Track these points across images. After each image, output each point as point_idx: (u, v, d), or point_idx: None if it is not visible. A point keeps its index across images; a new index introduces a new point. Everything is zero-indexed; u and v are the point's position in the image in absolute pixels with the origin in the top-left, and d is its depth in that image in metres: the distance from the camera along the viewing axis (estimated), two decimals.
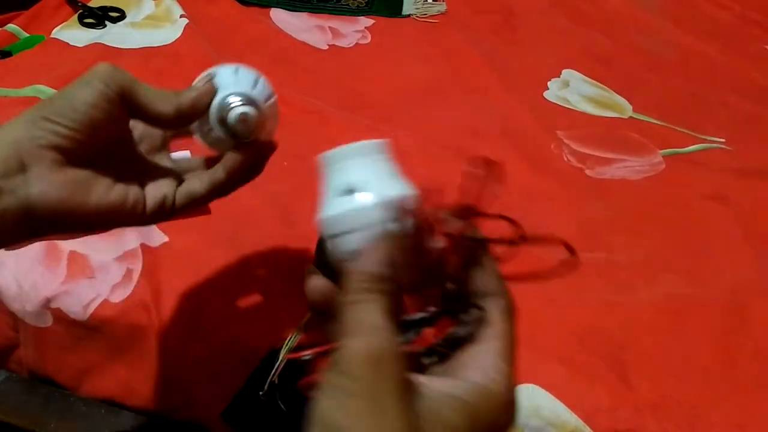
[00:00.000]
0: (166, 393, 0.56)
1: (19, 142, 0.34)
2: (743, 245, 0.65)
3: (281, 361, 0.50)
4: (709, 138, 0.82)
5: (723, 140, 0.82)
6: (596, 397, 0.50)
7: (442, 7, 1.05)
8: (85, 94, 0.36)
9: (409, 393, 0.27)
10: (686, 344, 0.54)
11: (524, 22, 1.05)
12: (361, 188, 0.32)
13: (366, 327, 0.28)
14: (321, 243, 0.34)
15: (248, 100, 0.40)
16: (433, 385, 0.28)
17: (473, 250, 0.31)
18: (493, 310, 0.31)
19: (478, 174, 0.31)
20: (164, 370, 0.55)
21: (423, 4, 1.05)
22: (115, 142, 0.39)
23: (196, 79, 0.41)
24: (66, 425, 0.56)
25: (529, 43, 0.99)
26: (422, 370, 0.30)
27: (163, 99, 0.39)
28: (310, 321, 0.52)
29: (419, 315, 0.29)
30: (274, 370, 0.49)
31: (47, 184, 0.35)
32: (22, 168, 0.34)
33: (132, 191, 0.39)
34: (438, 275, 0.30)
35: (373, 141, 0.33)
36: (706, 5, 1.13)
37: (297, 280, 0.57)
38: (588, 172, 0.75)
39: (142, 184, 0.40)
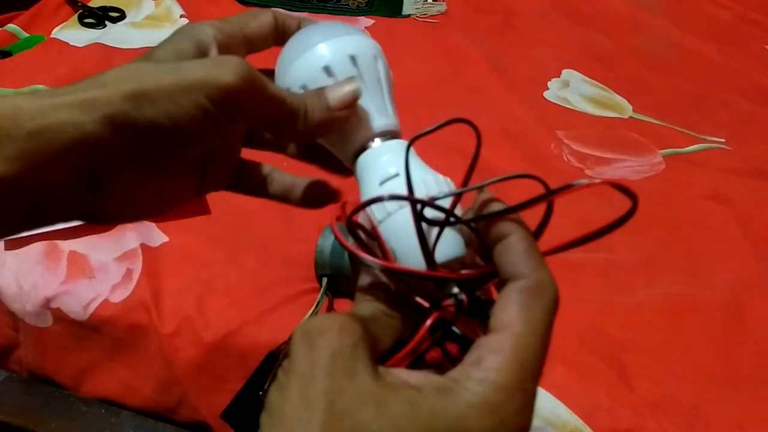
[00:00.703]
0: (166, 393, 0.56)
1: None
2: (743, 245, 0.65)
3: (281, 361, 0.50)
4: (709, 138, 0.82)
5: (723, 140, 0.82)
6: (596, 397, 0.50)
7: (442, 7, 1.05)
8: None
9: (354, 372, 0.23)
10: (686, 344, 0.54)
11: (524, 22, 1.05)
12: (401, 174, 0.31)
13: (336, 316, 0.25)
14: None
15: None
16: (405, 376, 0.24)
17: (497, 223, 0.27)
18: (514, 299, 0.25)
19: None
20: (164, 370, 0.55)
21: (423, 4, 1.05)
22: None
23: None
24: (66, 425, 0.56)
25: (529, 43, 0.99)
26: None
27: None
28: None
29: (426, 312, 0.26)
30: (274, 370, 0.49)
31: None
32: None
33: None
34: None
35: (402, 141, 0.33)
36: (706, 5, 1.13)
37: (297, 280, 0.57)
38: (588, 172, 0.75)
39: None
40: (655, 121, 0.84)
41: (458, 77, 0.89)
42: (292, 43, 0.33)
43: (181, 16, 0.95)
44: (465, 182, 0.31)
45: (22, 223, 0.29)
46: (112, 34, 0.90)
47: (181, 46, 0.30)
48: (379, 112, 0.33)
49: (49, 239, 0.59)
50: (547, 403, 0.49)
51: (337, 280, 0.54)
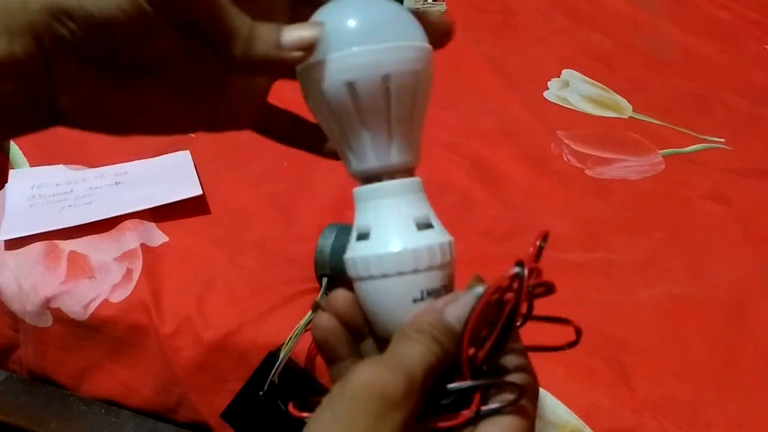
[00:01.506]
0: (166, 393, 0.56)
1: None
2: (743, 245, 0.65)
3: (281, 361, 0.50)
4: (709, 138, 0.82)
5: (723, 140, 0.82)
6: (596, 396, 0.50)
7: (442, 7, 1.05)
8: None
9: None
10: (686, 344, 0.54)
11: (524, 22, 1.05)
12: (429, 226, 0.29)
13: (396, 361, 0.25)
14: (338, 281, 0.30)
15: None
16: None
17: (509, 324, 0.28)
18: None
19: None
20: (164, 370, 0.55)
21: (423, 4, 1.05)
22: None
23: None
24: (66, 425, 0.56)
25: (529, 43, 0.99)
26: None
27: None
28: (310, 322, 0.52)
29: (458, 385, 0.27)
30: (274, 370, 0.49)
31: None
32: None
33: None
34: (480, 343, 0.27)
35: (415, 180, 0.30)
36: (706, 5, 1.13)
37: (297, 280, 0.57)
38: (588, 172, 0.75)
39: None
40: (655, 121, 0.84)
41: (458, 77, 0.89)
42: (327, 19, 0.28)
43: None
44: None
45: None
46: None
47: None
48: (398, 147, 0.29)
49: (49, 239, 0.59)
50: (547, 403, 0.49)
51: (337, 280, 0.54)
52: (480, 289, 0.27)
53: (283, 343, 0.50)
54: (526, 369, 0.29)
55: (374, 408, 0.23)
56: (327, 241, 0.54)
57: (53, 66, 0.27)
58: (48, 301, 0.56)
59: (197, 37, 0.27)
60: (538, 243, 0.28)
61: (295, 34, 0.27)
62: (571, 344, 0.30)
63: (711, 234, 0.66)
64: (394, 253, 0.28)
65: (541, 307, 0.29)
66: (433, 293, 0.28)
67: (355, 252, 0.30)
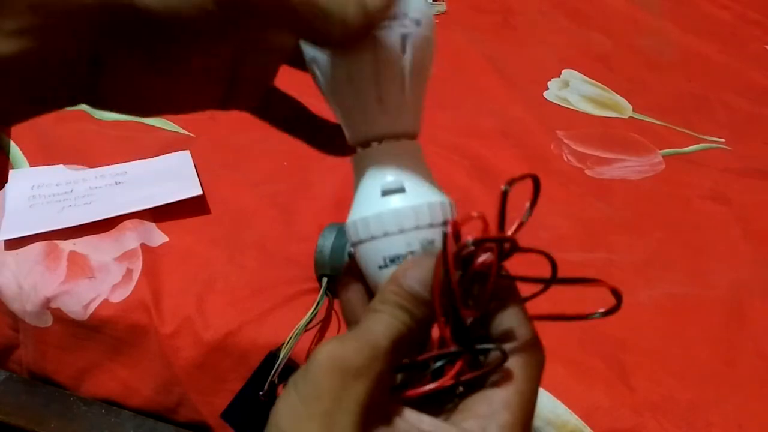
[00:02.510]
0: (166, 393, 0.56)
1: None
2: (743, 245, 0.65)
3: (281, 361, 0.50)
4: (709, 138, 0.82)
5: (723, 140, 0.82)
6: (596, 397, 0.50)
7: (442, 7, 1.05)
8: None
9: (375, 420, 0.23)
10: (686, 344, 0.54)
11: (524, 22, 1.05)
12: (400, 190, 0.28)
13: (359, 334, 0.24)
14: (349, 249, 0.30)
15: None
16: (417, 421, 0.24)
17: (502, 286, 0.27)
18: (515, 358, 0.26)
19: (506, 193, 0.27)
20: (164, 370, 0.55)
21: None
22: None
23: None
24: (66, 425, 0.56)
25: (529, 43, 0.99)
26: (439, 412, 0.26)
27: None
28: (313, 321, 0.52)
29: (438, 352, 0.26)
30: (274, 370, 0.49)
31: None
32: None
33: None
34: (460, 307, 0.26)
35: (412, 142, 0.30)
36: (706, 5, 1.13)
37: (297, 280, 0.57)
38: (588, 172, 0.75)
39: None
40: (655, 121, 0.84)
41: (458, 77, 0.89)
42: None
43: None
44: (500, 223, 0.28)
45: (22, 109, 0.27)
46: None
47: None
48: (402, 109, 0.29)
49: (49, 239, 0.59)
50: (547, 403, 0.49)
51: (337, 280, 0.54)
52: (437, 249, 0.26)
53: (283, 343, 0.50)
54: (525, 334, 0.27)
55: (336, 380, 0.23)
56: (327, 241, 0.54)
57: (98, 55, 0.27)
58: (48, 301, 0.56)
59: (289, 31, 0.26)
60: (502, 188, 0.27)
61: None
62: (610, 311, 0.28)
63: (711, 234, 0.66)
64: (351, 221, 0.29)
65: (539, 306, 0.29)
66: (397, 260, 0.27)
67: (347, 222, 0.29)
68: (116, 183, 0.65)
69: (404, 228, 0.27)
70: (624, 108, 0.87)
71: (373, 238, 0.28)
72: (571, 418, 0.48)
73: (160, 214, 0.61)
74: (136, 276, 0.57)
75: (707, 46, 1.01)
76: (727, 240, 0.66)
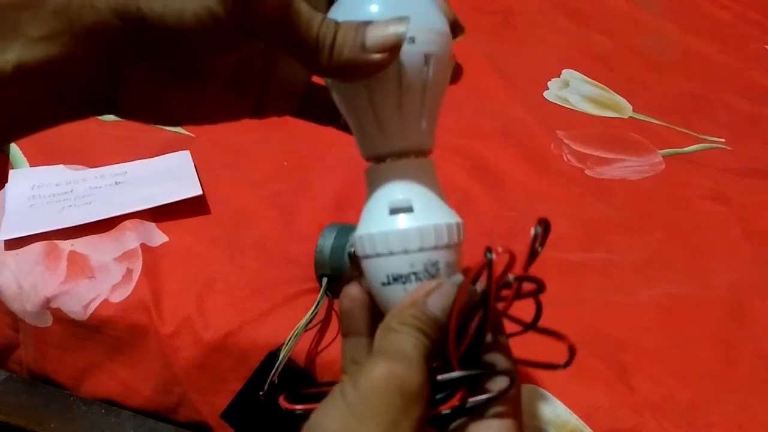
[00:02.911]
0: (166, 393, 0.56)
1: None
2: (743, 245, 0.65)
3: (281, 361, 0.50)
4: (709, 138, 0.82)
5: (723, 140, 0.82)
6: (596, 397, 0.50)
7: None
8: None
9: None
10: (686, 344, 0.54)
11: (524, 22, 1.05)
12: (407, 209, 0.29)
13: (401, 356, 0.25)
14: (355, 259, 0.31)
15: None
16: None
17: (497, 319, 0.28)
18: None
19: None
20: (164, 370, 0.55)
21: None
22: None
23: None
24: (66, 425, 0.56)
25: (529, 43, 0.99)
26: None
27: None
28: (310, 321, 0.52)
29: (449, 375, 0.27)
30: (274, 371, 0.49)
31: None
32: None
33: None
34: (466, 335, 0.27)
35: (426, 160, 0.31)
36: (706, 5, 1.13)
37: (297, 280, 0.57)
38: (588, 172, 0.75)
39: None
40: (655, 121, 0.84)
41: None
42: None
43: None
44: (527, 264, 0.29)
45: (47, 115, 0.28)
46: None
47: None
48: (413, 127, 0.30)
49: (49, 239, 0.59)
50: (547, 403, 0.49)
51: (337, 280, 0.54)
52: (460, 277, 0.27)
53: (283, 343, 0.50)
54: (511, 366, 0.29)
55: (396, 402, 0.24)
56: (327, 241, 0.54)
57: (116, 65, 0.27)
58: (48, 301, 0.56)
59: (281, 48, 0.27)
60: (533, 230, 0.28)
61: (378, 34, 0.26)
62: (565, 365, 0.30)
63: (711, 234, 0.66)
64: (359, 235, 0.29)
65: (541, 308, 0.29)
66: (399, 279, 0.28)
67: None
68: (116, 183, 0.65)
69: (408, 249, 0.28)
70: (624, 108, 0.87)
71: (378, 255, 0.28)
72: (571, 418, 0.48)
73: (160, 214, 0.61)
74: (136, 276, 0.57)
75: (707, 46, 1.01)
76: (727, 240, 0.66)
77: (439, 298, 0.27)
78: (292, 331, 0.51)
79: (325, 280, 0.54)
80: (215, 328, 0.54)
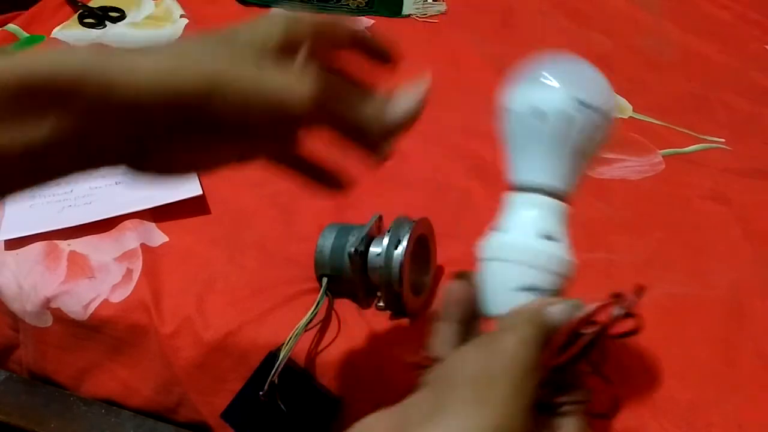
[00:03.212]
0: (166, 393, 0.56)
1: None
2: (743, 245, 0.65)
3: (281, 361, 0.50)
4: (709, 138, 0.82)
5: (723, 140, 0.82)
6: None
7: (442, 7, 1.05)
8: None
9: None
10: (686, 344, 0.54)
11: (524, 22, 1.05)
12: (555, 239, 0.35)
13: (528, 336, 0.30)
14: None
15: None
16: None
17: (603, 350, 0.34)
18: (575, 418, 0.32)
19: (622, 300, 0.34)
20: (164, 370, 0.55)
21: (423, 4, 1.05)
22: None
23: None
24: (66, 425, 0.56)
25: (529, 43, 0.99)
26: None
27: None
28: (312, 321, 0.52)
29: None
30: (274, 371, 0.49)
31: None
32: None
33: None
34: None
35: (568, 205, 0.36)
36: (706, 5, 1.13)
37: (297, 280, 0.57)
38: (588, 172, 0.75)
39: None
40: (655, 121, 0.84)
41: (458, 77, 0.89)
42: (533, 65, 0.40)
43: (182, 16, 0.95)
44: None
45: (69, 172, 0.30)
46: (112, 35, 0.90)
47: (269, 32, 0.29)
48: (572, 175, 0.36)
49: (49, 239, 0.59)
50: None
51: (337, 280, 0.54)
52: (577, 302, 0.33)
53: (283, 343, 0.50)
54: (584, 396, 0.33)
55: (526, 364, 0.29)
56: (327, 241, 0.54)
57: (146, 140, 0.29)
58: (48, 301, 0.56)
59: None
60: (633, 297, 0.35)
61: (402, 108, 0.34)
62: (603, 415, 0.38)
63: (711, 234, 0.66)
64: (500, 241, 0.35)
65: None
66: (533, 289, 0.34)
67: (487, 238, 0.36)
68: (116, 183, 0.65)
69: (550, 270, 0.34)
70: (624, 108, 0.87)
71: (520, 263, 0.34)
72: None
73: (160, 214, 0.61)
74: (136, 276, 0.57)
75: (707, 46, 1.01)
76: (727, 240, 0.66)
77: (557, 311, 0.32)
78: (292, 331, 0.51)
79: (325, 280, 0.54)
80: (215, 328, 0.54)
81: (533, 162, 0.36)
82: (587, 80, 0.37)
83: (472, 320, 0.36)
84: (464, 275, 0.37)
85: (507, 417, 0.27)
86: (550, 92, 0.37)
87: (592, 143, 0.36)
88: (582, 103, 0.35)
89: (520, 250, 0.34)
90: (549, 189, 0.35)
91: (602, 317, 0.33)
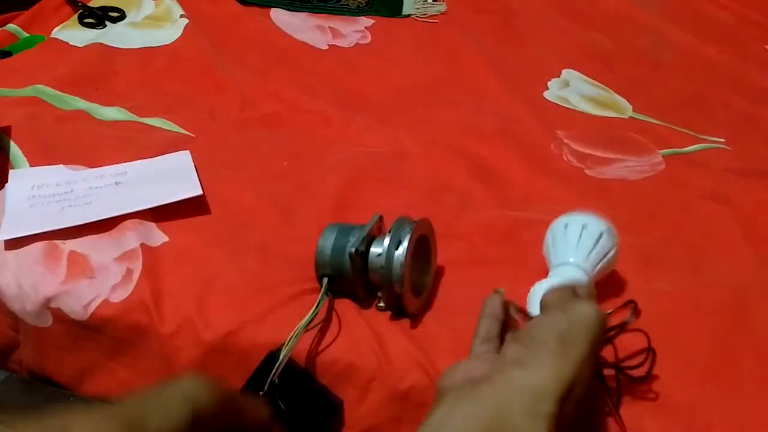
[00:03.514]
0: None
1: None
2: (743, 245, 0.65)
3: (281, 361, 0.50)
4: (709, 138, 0.82)
5: (723, 140, 0.82)
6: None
7: (442, 7, 1.05)
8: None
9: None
10: (686, 344, 0.54)
11: (524, 22, 1.05)
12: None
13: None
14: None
15: None
16: None
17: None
18: None
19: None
20: (164, 370, 0.55)
21: (423, 4, 1.05)
22: None
23: None
24: None
25: (529, 43, 0.99)
26: None
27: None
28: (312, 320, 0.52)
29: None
30: (274, 370, 0.49)
31: None
32: None
33: None
34: None
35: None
36: (706, 5, 1.13)
37: (297, 280, 0.57)
38: (588, 172, 0.75)
39: None
40: (655, 121, 0.84)
41: (458, 77, 0.89)
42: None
43: (181, 16, 0.95)
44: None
45: None
46: (112, 34, 0.90)
47: (178, 417, 0.35)
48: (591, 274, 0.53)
49: (49, 239, 0.59)
50: None
51: (338, 280, 0.54)
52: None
53: (284, 343, 0.50)
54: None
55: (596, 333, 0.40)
56: (327, 241, 0.54)
57: None
58: (48, 301, 0.56)
59: None
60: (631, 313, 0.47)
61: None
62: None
63: (711, 234, 0.66)
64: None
65: None
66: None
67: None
68: (116, 183, 0.65)
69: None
70: (624, 108, 0.87)
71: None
72: None
73: (160, 214, 0.61)
74: (136, 276, 0.57)
75: (707, 46, 1.01)
76: (727, 240, 0.66)
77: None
78: (293, 331, 0.51)
79: (325, 280, 0.54)
80: (215, 328, 0.54)
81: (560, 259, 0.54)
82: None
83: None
84: (499, 291, 0.48)
85: (582, 370, 0.37)
86: None
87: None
88: None
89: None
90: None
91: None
